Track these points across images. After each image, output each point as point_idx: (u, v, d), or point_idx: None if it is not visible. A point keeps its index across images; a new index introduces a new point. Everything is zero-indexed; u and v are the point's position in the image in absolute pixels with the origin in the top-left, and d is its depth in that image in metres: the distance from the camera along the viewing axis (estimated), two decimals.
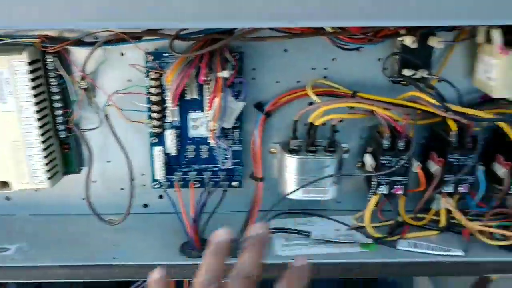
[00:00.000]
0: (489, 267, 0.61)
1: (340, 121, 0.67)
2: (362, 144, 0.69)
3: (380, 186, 0.63)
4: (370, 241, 0.64)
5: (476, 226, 0.63)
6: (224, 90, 0.61)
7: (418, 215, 0.67)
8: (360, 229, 0.66)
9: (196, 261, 0.62)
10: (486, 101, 0.64)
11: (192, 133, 0.66)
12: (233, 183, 0.68)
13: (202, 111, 0.65)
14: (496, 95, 0.59)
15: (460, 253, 0.61)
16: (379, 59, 0.65)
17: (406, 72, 0.62)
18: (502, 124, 0.60)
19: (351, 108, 0.65)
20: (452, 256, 0.61)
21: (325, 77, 0.66)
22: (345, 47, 0.62)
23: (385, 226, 0.67)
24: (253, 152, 0.66)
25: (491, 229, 0.62)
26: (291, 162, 0.65)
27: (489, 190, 0.66)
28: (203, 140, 0.66)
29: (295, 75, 0.66)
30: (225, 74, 0.60)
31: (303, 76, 0.65)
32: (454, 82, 0.65)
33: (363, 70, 0.65)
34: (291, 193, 0.65)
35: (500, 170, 0.63)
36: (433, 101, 0.60)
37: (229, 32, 0.59)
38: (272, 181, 0.69)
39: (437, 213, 0.67)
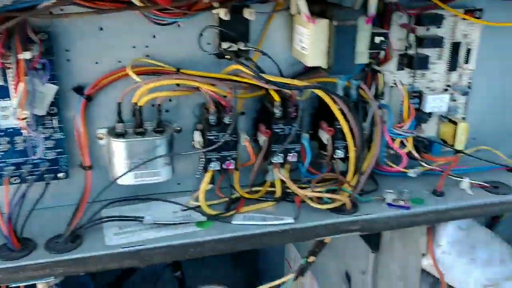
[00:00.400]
0: (319, 231, 0.63)
1: (170, 100, 0.66)
2: (197, 122, 0.67)
3: (211, 163, 0.63)
4: (205, 219, 0.63)
5: (306, 192, 0.65)
6: (28, 73, 0.55)
7: (254, 188, 0.67)
8: (198, 208, 0.65)
9: (16, 263, 0.57)
10: (307, 71, 0.66)
11: (2, 123, 0.60)
12: (59, 175, 0.63)
13: (10, 98, 0.59)
14: (309, 63, 0.61)
15: (291, 220, 0.63)
16: (201, 34, 0.63)
17: (224, 45, 0.61)
18: (318, 91, 0.62)
19: (178, 85, 0.63)
20: (283, 224, 0.62)
21: (147, 56, 0.63)
22: (162, 22, 0.60)
23: (223, 202, 0.66)
24: (78, 139, 0.62)
25: (319, 194, 0.64)
26: (118, 147, 0.62)
27: (319, 157, 0.69)
28: (17, 131, 0.60)
29: (115, 54, 0.62)
30: (27, 55, 0.54)
31: (124, 56, 0.62)
32: (279, 54, 0.66)
33: (187, 46, 0.64)
34: (118, 178, 0.61)
35: (324, 136, 0.66)
36: (251, 73, 0.60)
37: (29, 9, 0.54)
38: (104, 169, 0.65)
39: (273, 185, 0.68)
